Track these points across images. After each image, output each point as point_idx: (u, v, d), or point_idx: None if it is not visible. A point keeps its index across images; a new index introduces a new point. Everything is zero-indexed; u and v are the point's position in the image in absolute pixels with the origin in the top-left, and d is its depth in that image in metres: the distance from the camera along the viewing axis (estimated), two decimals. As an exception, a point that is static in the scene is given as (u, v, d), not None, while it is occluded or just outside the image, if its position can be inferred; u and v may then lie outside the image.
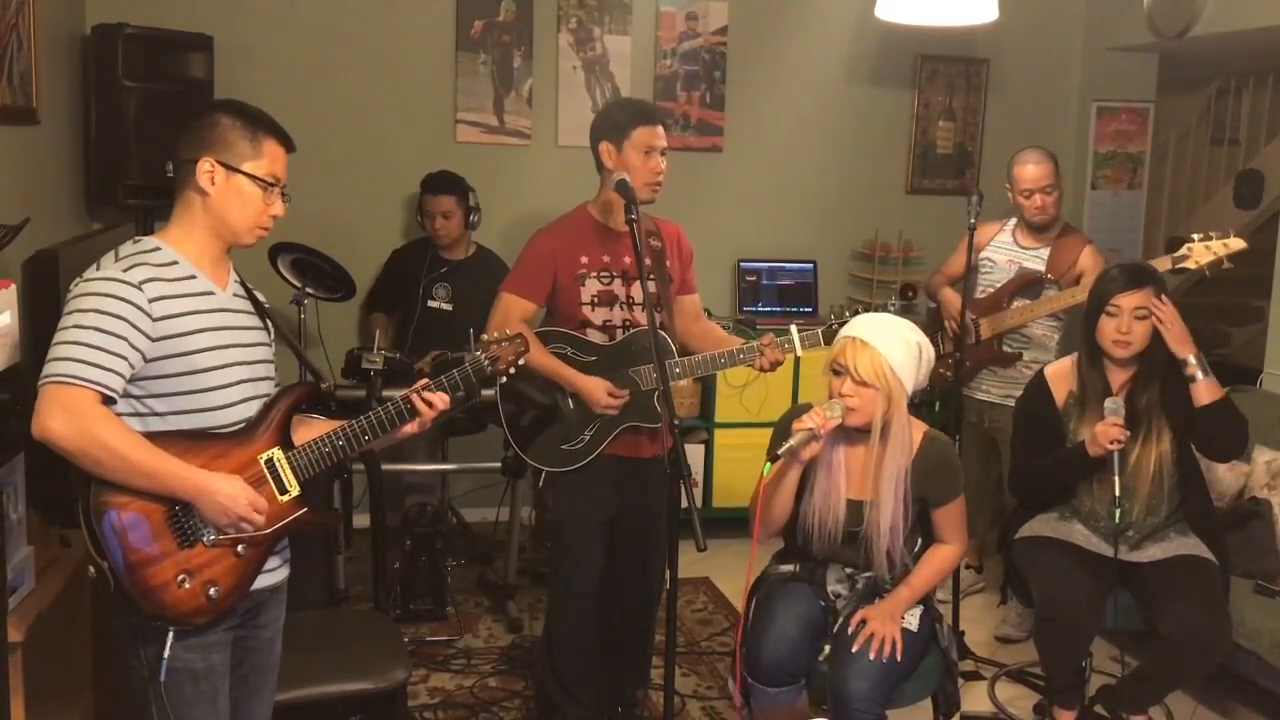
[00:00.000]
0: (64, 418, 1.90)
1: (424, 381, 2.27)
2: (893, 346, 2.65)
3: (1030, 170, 3.97)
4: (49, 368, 1.93)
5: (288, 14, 4.73)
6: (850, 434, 2.75)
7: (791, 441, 2.62)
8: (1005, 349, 4.08)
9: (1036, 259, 4.05)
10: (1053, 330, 4.09)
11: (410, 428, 2.25)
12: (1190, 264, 3.61)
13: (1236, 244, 3.60)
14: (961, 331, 3.94)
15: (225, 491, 2.01)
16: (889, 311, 2.87)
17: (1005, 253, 4.12)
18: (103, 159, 4.06)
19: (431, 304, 4.55)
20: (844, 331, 2.73)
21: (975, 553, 4.53)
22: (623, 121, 3.04)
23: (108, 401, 1.94)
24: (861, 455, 2.74)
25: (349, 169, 4.85)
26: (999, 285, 4.08)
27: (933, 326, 4.20)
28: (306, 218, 4.52)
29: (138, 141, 3.97)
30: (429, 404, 2.24)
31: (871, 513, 2.72)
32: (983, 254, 4.16)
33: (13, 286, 2.46)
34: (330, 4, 4.78)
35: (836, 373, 2.69)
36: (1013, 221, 4.18)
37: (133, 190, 3.98)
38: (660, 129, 3.06)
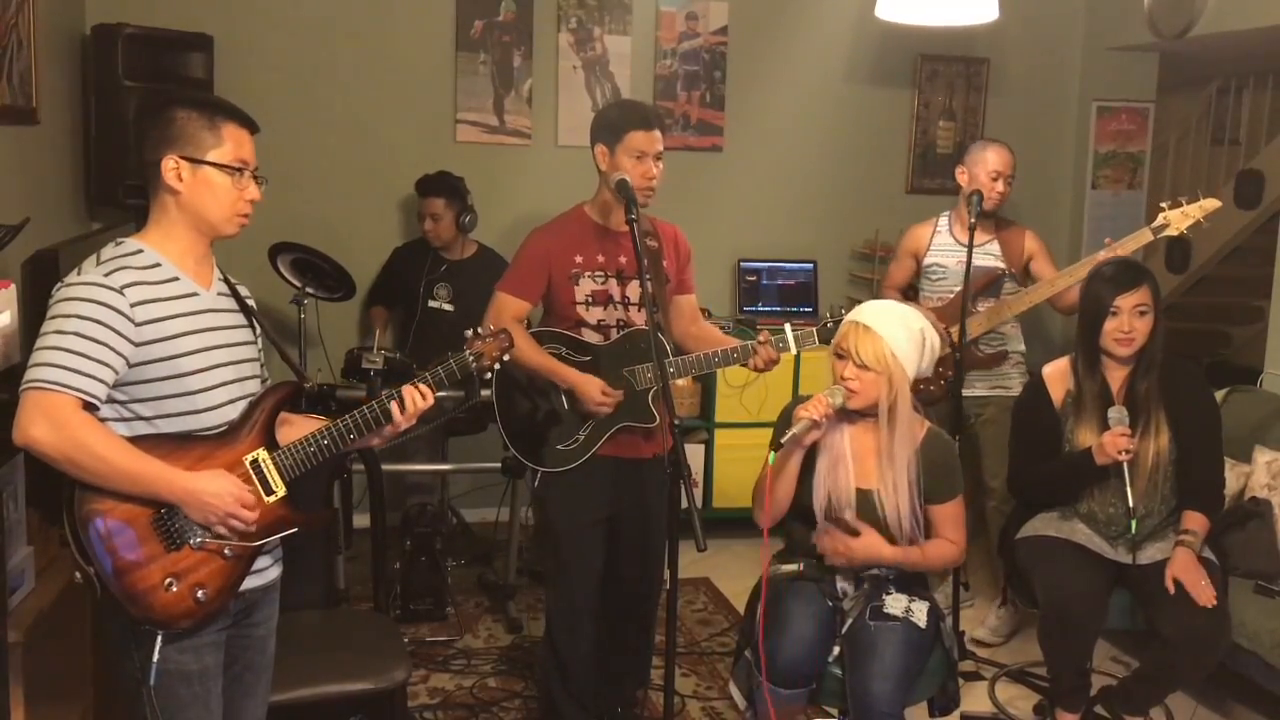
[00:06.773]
0: (46, 424, 1.89)
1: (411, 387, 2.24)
2: (895, 332, 2.70)
3: (1003, 155, 4.01)
4: (30, 373, 1.91)
5: (288, 13, 4.73)
6: (855, 424, 2.77)
7: (794, 429, 2.67)
8: (984, 350, 4.07)
9: (987, 254, 4.05)
10: (1016, 321, 4.14)
11: (395, 428, 2.22)
12: (1171, 231, 3.72)
13: (1211, 204, 3.68)
14: (961, 339, 3.87)
15: (211, 490, 2.00)
16: None
17: (952, 255, 4.09)
18: (103, 159, 4.06)
19: (432, 304, 4.54)
20: (849, 317, 2.79)
21: (962, 567, 4.46)
22: (617, 124, 3.01)
23: (90, 408, 1.93)
24: (867, 443, 2.77)
25: (349, 169, 4.85)
26: (957, 290, 4.03)
27: None
28: (306, 218, 4.55)
29: (138, 141, 3.96)
30: (413, 401, 2.20)
31: (884, 499, 2.74)
32: (928, 260, 4.16)
33: (13, 286, 2.47)
34: (330, 4, 4.78)
35: (840, 356, 2.74)
36: (945, 219, 4.16)
37: (133, 190, 3.95)
38: (656, 134, 3.01)
